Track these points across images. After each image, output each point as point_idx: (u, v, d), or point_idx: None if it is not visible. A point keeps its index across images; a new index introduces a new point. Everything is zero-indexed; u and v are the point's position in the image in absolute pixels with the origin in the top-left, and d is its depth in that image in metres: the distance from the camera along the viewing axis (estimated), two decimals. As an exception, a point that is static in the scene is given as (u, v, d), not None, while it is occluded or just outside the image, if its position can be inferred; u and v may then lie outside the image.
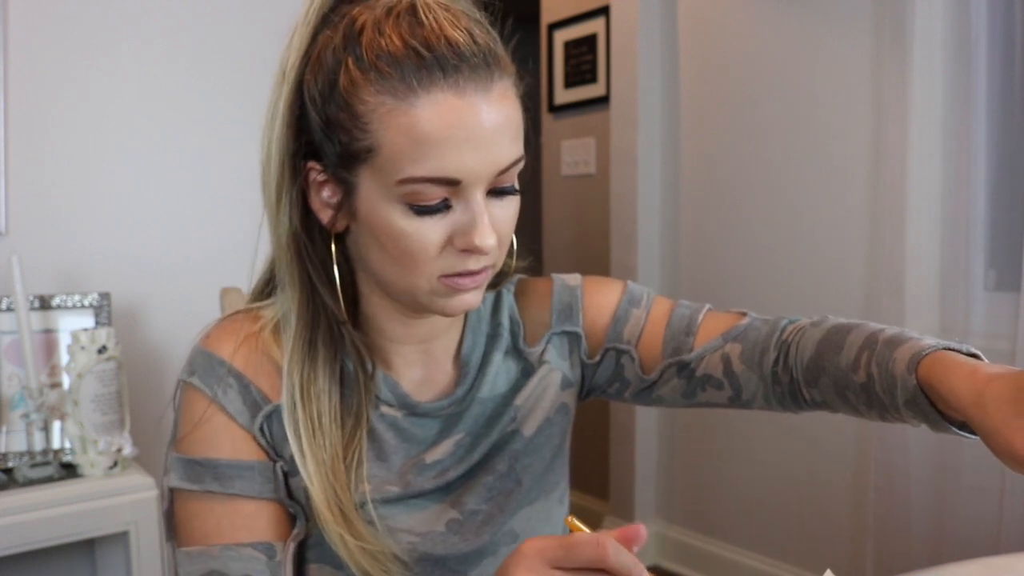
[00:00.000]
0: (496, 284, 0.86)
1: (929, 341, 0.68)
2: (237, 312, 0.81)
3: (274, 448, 0.76)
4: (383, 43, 0.64)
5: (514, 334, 0.86)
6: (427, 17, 0.65)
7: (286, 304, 0.75)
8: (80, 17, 1.66)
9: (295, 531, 0.76)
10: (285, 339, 0.75)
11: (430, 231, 0.67)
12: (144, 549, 1.43)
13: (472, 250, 0.67)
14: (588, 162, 3.03)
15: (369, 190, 0.67)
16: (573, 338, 0.87)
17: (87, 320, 1.58)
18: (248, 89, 1.83)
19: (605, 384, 0.89)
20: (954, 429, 0.66)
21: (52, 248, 1.65)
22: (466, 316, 0.84)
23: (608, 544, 0.52)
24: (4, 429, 1.49)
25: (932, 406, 0.66)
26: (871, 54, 2.02)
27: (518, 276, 0.89)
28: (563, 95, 3.12)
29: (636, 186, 2.62)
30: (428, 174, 0.64)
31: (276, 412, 0.76)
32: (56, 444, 1.52)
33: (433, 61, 0.63)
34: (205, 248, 1.79)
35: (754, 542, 2.42)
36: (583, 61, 3.02)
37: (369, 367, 0.77)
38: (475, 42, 0.65)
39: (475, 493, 0.80)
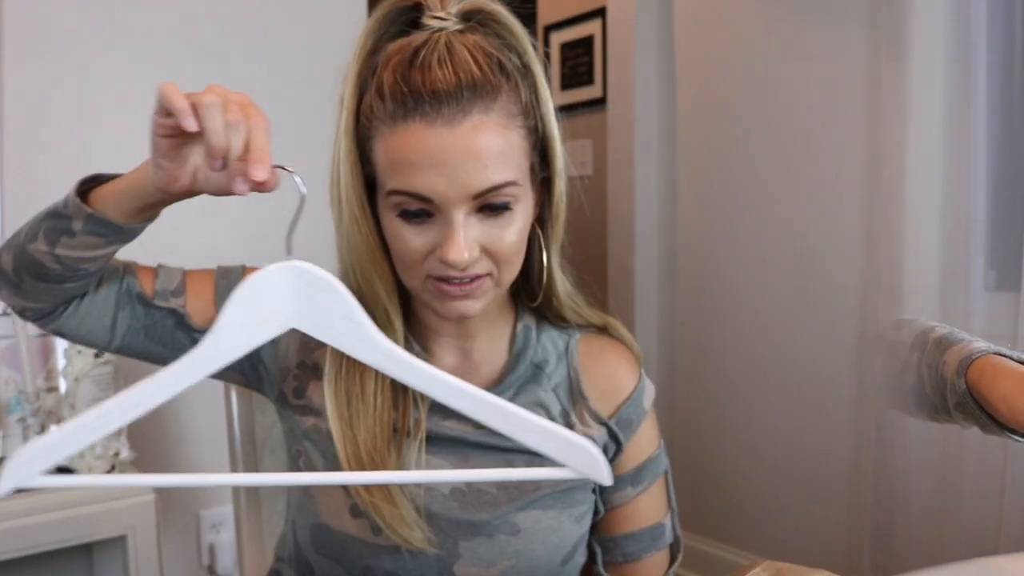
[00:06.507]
0: (544, 317, 0.91)
1: (979, 344, 0.68)
2: None
3: (291, 367, 0.88)
4: (384, 78, 0.75)
5: (571, 379, 0.89)
6: (423, 56, 0.74)
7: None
8: (78, 16, 1.65)
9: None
10: None
11: (415, 237, 0.76)
12: (142, 553, 1.42)
13: (445, 263, 0.75)
14: (585, 164, 3.03)
15: (381, 200, 0.79)
16: (611, 439, 0.89)
17: (84, 323, 1.57)
18: (248, 89, 1.82)
19: None
20: (1007, 433, 0.67)
21: (48, 250, 1.64)
22: (513, 335, 0.88)
23: None
24: (1, 433, 1.48)
25: (981, 410, 0.66)
26: (869, 54, 2.02)
27: (598, 327, 0.92)
28: (559, 97, 3.12)
29: (633, 188, 2.63)
30: (402, 188, 0.75)
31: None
32: (53, 448, 1.51)
33: (410, 98, 0.73)
34: (205, 248, 1.78)
35: (751, 542, 2.41)
36: (579, 63, 3.02)
37: (416, 348, 0.85)
38: (459, 80, 0.73)
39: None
